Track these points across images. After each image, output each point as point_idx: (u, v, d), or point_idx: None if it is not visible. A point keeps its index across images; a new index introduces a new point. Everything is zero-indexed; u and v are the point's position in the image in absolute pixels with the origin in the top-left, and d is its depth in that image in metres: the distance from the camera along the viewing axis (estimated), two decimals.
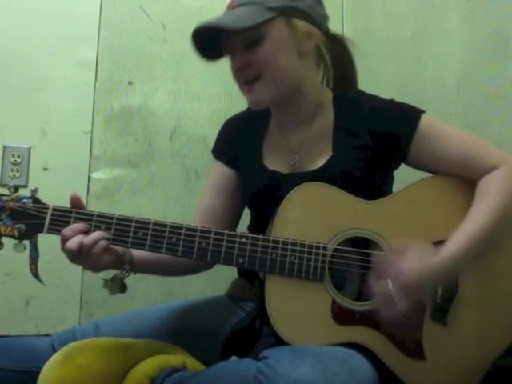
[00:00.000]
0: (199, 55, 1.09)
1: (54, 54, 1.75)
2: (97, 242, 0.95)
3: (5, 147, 1.69)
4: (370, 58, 1.91)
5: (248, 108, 1.24)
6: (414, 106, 1.10)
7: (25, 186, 1.68)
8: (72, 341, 1.05)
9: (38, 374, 0.97)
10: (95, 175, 1.77)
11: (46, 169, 1.72)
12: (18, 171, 1.69)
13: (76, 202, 0.98)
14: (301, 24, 1.06)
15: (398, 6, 1.74)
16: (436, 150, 1.05)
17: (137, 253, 1.05)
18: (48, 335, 1.14)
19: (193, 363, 1.03)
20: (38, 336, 1.53)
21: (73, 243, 0.94)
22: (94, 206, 1.74)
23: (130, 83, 1.82)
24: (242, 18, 1.01)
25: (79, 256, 0.95)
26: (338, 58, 1.15)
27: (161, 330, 1.13)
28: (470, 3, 1.38)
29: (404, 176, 1.14)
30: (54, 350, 1.03)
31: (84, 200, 1.71)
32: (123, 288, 1.04)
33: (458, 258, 0.93)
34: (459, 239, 0.94)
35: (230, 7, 1.07)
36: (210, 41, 1.06)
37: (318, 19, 1.09)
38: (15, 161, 1.69)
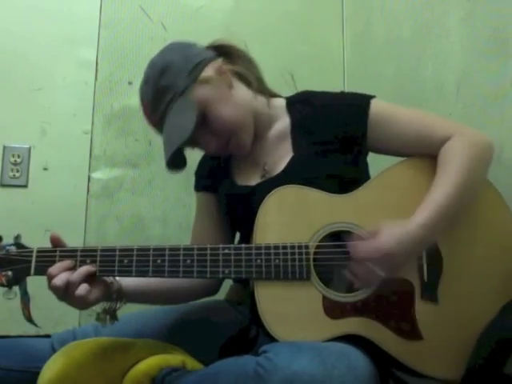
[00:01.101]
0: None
1: (54, 54, 1.75)
2: (84, 276, 0.95)
3: (5, 147, 1.69)
4: (369, 58, 1.92)
5: None
6: (363, 93, 1.13)
7: (25, 186, 1.68)
8: (72, 341, 1.05)
9: (37, 374, 0.98)
10: (95, 175, 1.77)
11: (46, 169, 1.71)
12: (18, 171, 1.69)
13: (56, 242, 0.99)
14: (205, 72, 1.09)
15: (398, 6, 1.74)
16: (390, 132, 1.09)
17: (126, 283, 1.05)
18: (48, 335, 1.14)
19: (192, 363, 1.03)
20: (38, 336, 1.53)
21: (59, 280, 0.94)
22: (94, 206, 1.75)
23: (130, 83, 1.82)
24: (179, 137, 1.04)
25: (67, 293, 0.95)
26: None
27: (160, 331, 1.13)
28: (469, 3, 1.38)
29: (385, 163, 1.14)
30: (54, 351, 1.03)
31: (84, 200, 1.74)
32: (114, 320, 1.04)
33: (430, 225, 0.95)
34: (428, 207, 0.96)
35: (154, 122, 1.11)
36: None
37: (209, 56, 1.12)
38: (15, 161, 1.69)
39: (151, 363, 0.99)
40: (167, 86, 1.07)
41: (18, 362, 1.03)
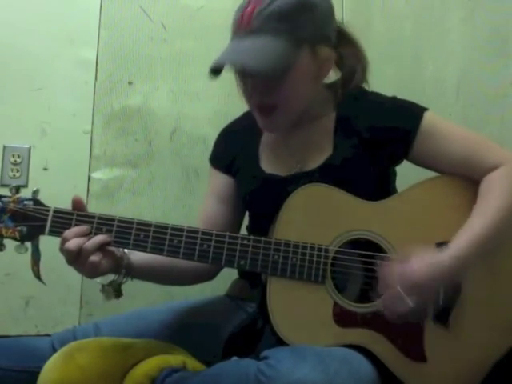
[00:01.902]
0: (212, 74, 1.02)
1: (54, 54, 1.75)
2: (98, 245, 0.94)
3: (5, 147, 1.68)
4: (370, 57, 1.91)
5: (244, 113, 1.24)
6: (417, 103, 1.10)
7: (25, 186, 1.68)
8: (72, 341, 1.05)
9: (38, 374, 0.98)
10: (95, 175, 1.77)
11: (46, 169, 1.71)
12: (18, 171, 1.68)
13: (78, 205, 0.99)
14: (323, 50, 1.03)
15: (398, 5, 1.74)
16: (438, 147, 1.05)
17: (135, 258, 1.04)
18: (48, 335, 1.14)
19: (193, 363, 1.03)
20: (38, 336, 1.53)
21: (73, 245, 0.93)
22: (94, 206, 1.74)
23: (130, 83, 1.82)
24: (270, 59, 0.95)
25: (78, 259, 0.94)
26: (346, 54, 1.11)
27: (161, 330, 1.13)
28: (470, 3, 1.38)
29: (408, 173, 1.14)
30: (54, 350, 1.03)
31: (84, 200, 1.73)
32: (119, 294, 1.03)
33: (464, 258, 0.92)
34: (465, 239, 0.94)
35: (248, 27, 0.98)
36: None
37: (333, 37, 1.06)
38: (15, 161, 1.68)
39: (151, 363, 0.99)
40: (295, 21, 0.97)
41: (18, 362, 1.03)
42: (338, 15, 2.04)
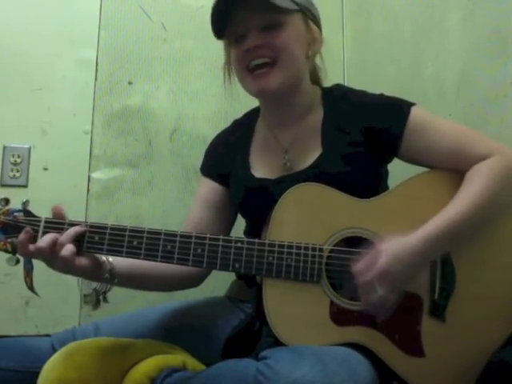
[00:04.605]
0: (214, 29, 1.07)
1: (54, 54, 1.75)
2: (72, 237, 0.93)
3: (5, 147, 1.68)
4: (369, 57, 1.92)
5: (233, 122, 1.26)
6: (403, 99, 1.10)
7: (25, 186, 1.68)
8: (72, 341, 1.05)
9: (37, 374, 0.98)
10: (95, 175, 1.77)
11: (46, 169, 1.71)
12: (18, 171, 1.68)
13: (58, 215, 0.97)
14: (313, 27, 1.12)
15: (398, 5, 1.74)
16: (428, 142, 1.05)
17: (118, 263, 1.02)
18: (48, 335, 1.14)
19: (193, 363, 1.03)
20: (38, 336, 1.53)
21: (44, 241, 0.91)
22: (94, 206, 1.75)
23: (130, 83, 1.82)
24: None
25: (52, 253, 0.91)
26: None
27: (161, 330, 1.13)
28: (469, 3, 1.38)
29: (400, 172, 1.13)
30: (54, 350, 1.03)
31: (84, 200, 1.74)
32: (105, 301, 1.01)
33: (435, 241, 0.92)
34: (438, 222, 0.94)
35: None
36: (222, 16, 1.05)
37: (321, 28, 1.15)
38: (15, 161, 1.68)
39: (151, 364, 0.99)
40: None
41: (18, 362, 1.03)
42: (337, 15, 2.05)
